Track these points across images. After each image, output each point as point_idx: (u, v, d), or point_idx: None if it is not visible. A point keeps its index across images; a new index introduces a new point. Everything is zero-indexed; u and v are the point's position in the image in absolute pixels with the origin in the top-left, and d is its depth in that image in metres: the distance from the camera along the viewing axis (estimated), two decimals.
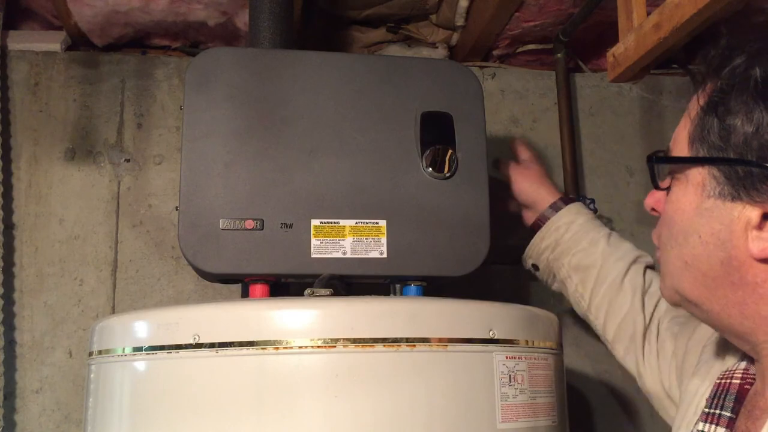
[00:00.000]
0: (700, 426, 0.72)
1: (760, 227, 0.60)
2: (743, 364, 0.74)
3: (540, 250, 1.22)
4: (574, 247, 1.15)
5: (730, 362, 0.80)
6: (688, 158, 0.65)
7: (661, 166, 0.69)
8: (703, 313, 0.68)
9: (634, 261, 1.13)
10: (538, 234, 1.21)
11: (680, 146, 0.67)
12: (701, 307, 0.67)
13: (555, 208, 1.20)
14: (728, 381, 0.73)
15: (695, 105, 0.66)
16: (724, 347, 0.84)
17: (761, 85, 0.61)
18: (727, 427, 0.69)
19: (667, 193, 0.69)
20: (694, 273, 0.65)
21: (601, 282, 1.13)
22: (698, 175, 0.64)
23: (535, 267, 1.27)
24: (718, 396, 0.73)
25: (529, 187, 1.24)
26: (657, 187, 0.70)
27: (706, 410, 0.73)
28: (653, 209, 0.73)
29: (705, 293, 0.65)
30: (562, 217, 1.18)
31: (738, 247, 0.61)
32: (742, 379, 0.72)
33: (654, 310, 1.08)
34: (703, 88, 0.66)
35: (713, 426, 0.71)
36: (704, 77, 0.66)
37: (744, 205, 0.61)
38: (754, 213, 0.60)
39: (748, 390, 0.71)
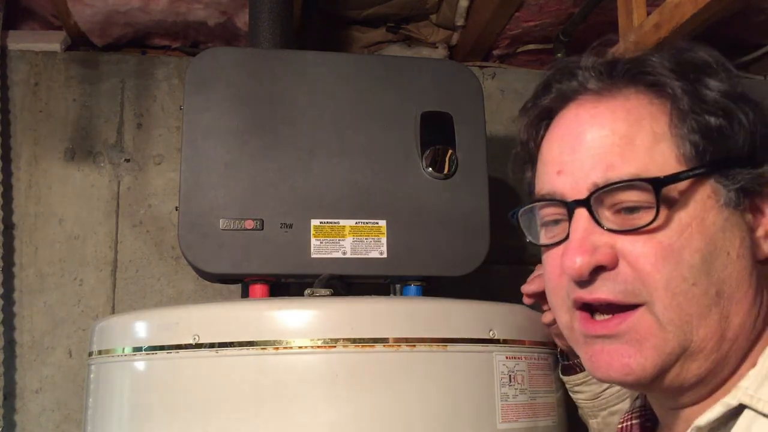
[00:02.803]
0: None
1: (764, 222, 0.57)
2: (638, 402, 0.70)
3: (571, 387, 0.98)
4: (615, 405, 0.94)
5: (628, 404, 0.77)
6: (706, 167, 0.55)
7: (633, 199, 0.55)
8: (704, 362, 0.55)
9: None
10: (572, 377, 0.96)
11: (660, 165, 0.55)
12: (709, 354, 0.55)
13: None
14: (629, 423, 0.70)
15: (671, 113, 0.56)
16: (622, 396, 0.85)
17: (721, 72, 0.56)
18: None
19: (645, 230, 0.55)
20: (724, 301, 0.55)
21: None
22: (707, 187, 0.55)
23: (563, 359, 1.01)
24: None
25: None
26: (649, 224, 0.54)
27: None
28: (600, 267, 0.56)
29: (724, 324, 0.55)
30: None
31: (760, 246, 0.57)
32: (641, 416, 0.68)
33: None
34: (670, 95, 0.57)
35: None
36: (657, 87, 0.57)
37: (751, 204, 0.56)
38: (758, 211, 0.57)
39: (649, 427, 0.68)
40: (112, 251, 1.52)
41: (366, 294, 0.94)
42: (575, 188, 0.57)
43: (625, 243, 0.55)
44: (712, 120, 0.55)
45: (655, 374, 0.56)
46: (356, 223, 1.03)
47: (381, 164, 1.06)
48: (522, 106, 0.66)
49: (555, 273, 0.60)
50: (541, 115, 0.63)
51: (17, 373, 1.44)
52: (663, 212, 0.54)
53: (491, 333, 0.89)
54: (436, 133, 1.08)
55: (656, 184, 0.54)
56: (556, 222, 0.60)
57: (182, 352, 0.85)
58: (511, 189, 1.70)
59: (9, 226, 1.49)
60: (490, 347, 0.88)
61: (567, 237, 0.57)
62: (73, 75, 1.57)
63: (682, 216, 0.54)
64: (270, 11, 1.25)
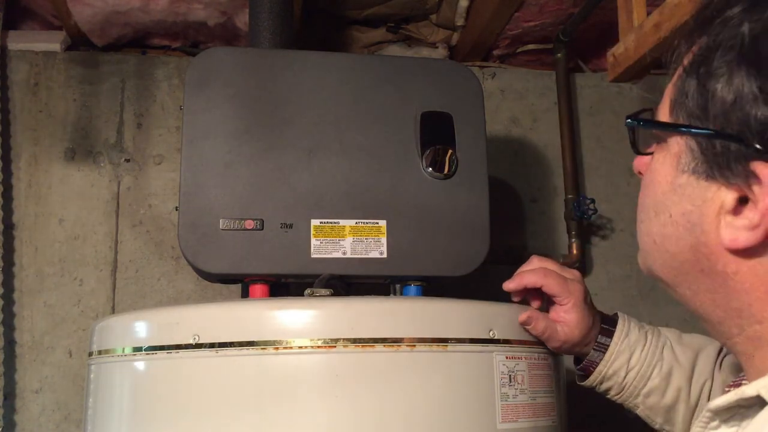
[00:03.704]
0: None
1: (734, 212, 0.51)
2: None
3: (598, 388, 0.97)
4: (644, 386, 0.92)
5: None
6: (664, 123, 0.57)
7: (646, 128, 0.60)
8: (677, 295, 0.60)
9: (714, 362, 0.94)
10: (590, 379, 0.95)
11: (664, 110, 0.58)
12: (674, 289, 0.60)
13: (601, 348, 0.93)
14: (729, 389, 0.69)
15: (688, 68, 0.55)
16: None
17: (748, 44, 0.50)
18: None
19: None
20: (662, 253, 0.58)
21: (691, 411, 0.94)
22: (676, 145, 0.56)
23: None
24: None
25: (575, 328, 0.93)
26: (637, 152, 0.62)
27: None
28: (640, 172, 0.64)
29: (675, 276, 0.58)
30: (616, 359, 0.92)
31: (708, 233, 0.53)
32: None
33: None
34: (694, 43, 0.55)
35: None
36: (695, 31, 0.56)
37: (719, 185, 0.52)
38: (729, 196, 0.51)
39: None
40: (112, 251, 1.52)
41: (366, 294, 0.94)
42: None
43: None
44: (704, 98, 0.52)
45: (652, 277, 0.63)
46: (356, 223, 1.03)
47: (381, 164, 1.06)
48: None
49: None
50: None
51: (17, 373, 1.44)
52: (651, 150, 0.60)
53: (491, 333, 0.89)
54: (436, 133, 1.08)
55: (629, 123, 0.60)
56: None
57: (182, 352, 0.85)
58: (511, 189, 1.71)
59: (9, 226, 1.49)
60: (490, 347, 0.88)
61: None
62: (73, 75, 1.58)
63: (656, 161, 0.59)
64: (270, 11, 1.25)
